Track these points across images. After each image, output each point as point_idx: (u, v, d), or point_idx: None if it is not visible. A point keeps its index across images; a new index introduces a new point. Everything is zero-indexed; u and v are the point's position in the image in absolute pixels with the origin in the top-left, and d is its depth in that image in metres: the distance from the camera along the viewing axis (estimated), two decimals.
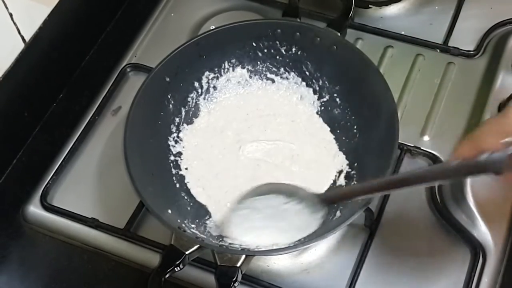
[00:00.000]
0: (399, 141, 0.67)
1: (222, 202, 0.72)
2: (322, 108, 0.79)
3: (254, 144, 0.76)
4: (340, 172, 0.74)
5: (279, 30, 0.77)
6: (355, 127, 0.76)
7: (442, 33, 0.87)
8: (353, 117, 0.76)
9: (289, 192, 0.68)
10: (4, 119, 0.80)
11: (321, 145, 0.76)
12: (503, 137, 0.52)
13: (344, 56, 0.74)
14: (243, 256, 0.62)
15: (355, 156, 0.74)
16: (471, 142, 0.54)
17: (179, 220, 0.68)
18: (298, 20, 0.80)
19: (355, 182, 0.72)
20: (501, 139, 0.52)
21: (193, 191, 0.74)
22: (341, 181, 0.74)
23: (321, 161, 0.75)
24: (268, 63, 0.80)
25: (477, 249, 0.70)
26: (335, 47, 0.75)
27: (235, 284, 0.61)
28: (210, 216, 0.72)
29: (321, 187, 0.73)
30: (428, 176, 0.57)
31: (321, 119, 0.78)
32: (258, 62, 0.80)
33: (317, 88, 0.79)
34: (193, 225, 0.69)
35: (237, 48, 0.79)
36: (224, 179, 0.74)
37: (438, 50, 0.86)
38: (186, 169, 0.75)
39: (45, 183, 0.78)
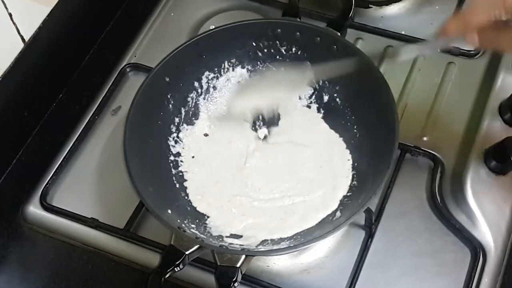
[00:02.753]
0: (399, 141, 0.67)
1: (225, 207, 0.72)
2: (322, 108, 0.79)
3: (256, 149, 0.76)
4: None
5: (279, 30, 0.77)
6: (355, 127, 0.76)
7: None
8: (353, 117, 0.76)
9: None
10: (4, 119, 0.80)
11: (324, 146, 0.76)
12: (493, 12, 0.53)
13: (344, 56, 0.74)
14: (243, 256, 0.62)
15: (355, 156, 0.74)
16: (460, 18, 0.56)
17: (179, 220, 0.68)
18: (298, 20, 0.80)
19: (355, 183, 0.72)
20: (490, 15, 0.53)
21: (191, 198, 0.74)
22: None
23: (325, 164, 0.75)
24: (268, 63, 0.80)
25: (477, 249, 0.70)
26: (335, 47, 0.75)
27: (235, 284, 0.61)
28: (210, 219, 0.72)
29: (327, 192, 0.73)
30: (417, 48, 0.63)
31: (322, 119, 0.78)
32: (258, 62, 0.80)
33: (317, 88, 0.79)
34: (193, 225, 0.69)
35: (237, 48, 0.79)
36: (223, 187, 0.74)
37: (439, 50, 0.86)
38: (186, 180, 0.75)
39: (45, 183, 0.78)
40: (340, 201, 0.72)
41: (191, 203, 0.73)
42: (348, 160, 0.74)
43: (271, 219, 0.71)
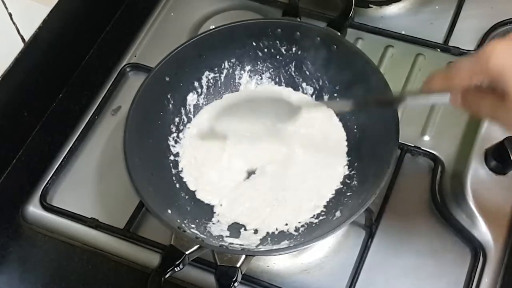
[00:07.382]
0: (399, 141, 0.67)
1: (223, 192, 0.73)
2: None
3: (254, 144, 0.76)
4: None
5: (279, 30, 0.77)
6: (355, 127, 0.76)
7: (443, 33, 0.87)
8: (353, 117, 0.76)
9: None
10: (3, 119, 0.80)
11: (325, 144, 0.76)
12: (475, 75, 0.52)
13: (344, 56, 0.74)
14: (243, 256, 0.62)
15: (355, 156, 0.74)
16: (444, 77, 0.55)
17: (179, 220, 0.68)
18: (298, 19, 0.80)
19: (355, 182, 0.72)
20: (473, 78, 0.52)
21: (190, 186, 0.74)
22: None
23: (324, 161, 0.75)
24: (268, 63, 0.80)
25: (477, 249, 0.70)
26: (335, 47, 0.75)
27: (235, 284, 0.61)
28: (213, 211, 0.72)
29: (326, 187, 0.73)
30: (396, 100, 0.63)
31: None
32: (258, 62, 0.80)
33: (317, 88, 0.79)
34: (193, 225, 0.69)
35: (237, 48, 0.79)
36: (223, 175, 0.75)
37: (439, 50, 0.86)
38: (182, 168, 0.75)
39: (45, 183, 0.78)
40: (336, 193, 0.72)
41: (192, 198, 0.73)
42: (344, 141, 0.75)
43: (265, 205, 0.71)
